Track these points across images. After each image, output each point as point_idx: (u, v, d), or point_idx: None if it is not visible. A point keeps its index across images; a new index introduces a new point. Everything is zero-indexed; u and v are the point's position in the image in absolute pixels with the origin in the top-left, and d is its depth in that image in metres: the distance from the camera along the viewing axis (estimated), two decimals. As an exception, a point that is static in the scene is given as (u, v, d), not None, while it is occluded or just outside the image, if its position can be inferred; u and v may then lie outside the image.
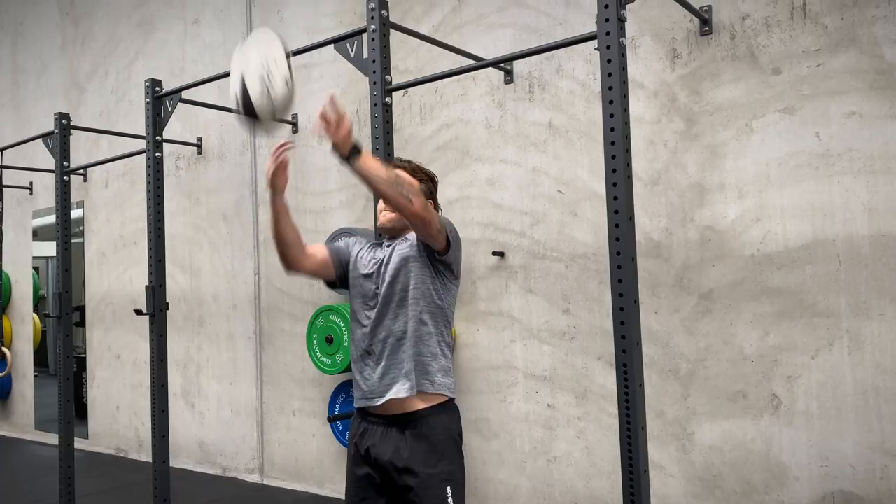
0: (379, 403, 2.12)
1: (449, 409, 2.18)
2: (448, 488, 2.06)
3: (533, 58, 3.41)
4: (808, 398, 2.79)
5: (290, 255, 2.26)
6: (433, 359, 2.14)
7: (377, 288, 2.19)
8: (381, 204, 2.24)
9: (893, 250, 2.63)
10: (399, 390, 2.10)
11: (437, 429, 2.11)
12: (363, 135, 4.11)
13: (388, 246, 2.26)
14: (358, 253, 2.30)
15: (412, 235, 2.19)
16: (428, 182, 2.28)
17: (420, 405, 2.11)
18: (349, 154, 1.94)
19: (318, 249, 2.33)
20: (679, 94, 3.09)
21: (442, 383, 2.14)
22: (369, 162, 1.99)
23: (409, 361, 2.11)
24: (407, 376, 2.10)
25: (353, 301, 2.26)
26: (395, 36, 3.50)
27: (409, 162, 2.30)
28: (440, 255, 2.15)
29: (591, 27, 3.08)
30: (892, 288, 2.62)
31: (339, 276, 2.31)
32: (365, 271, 2.24)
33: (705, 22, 3.01)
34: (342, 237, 3.89)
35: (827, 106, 2.76)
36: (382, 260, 2.21)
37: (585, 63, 3.33)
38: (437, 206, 2.30)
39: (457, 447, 2.16)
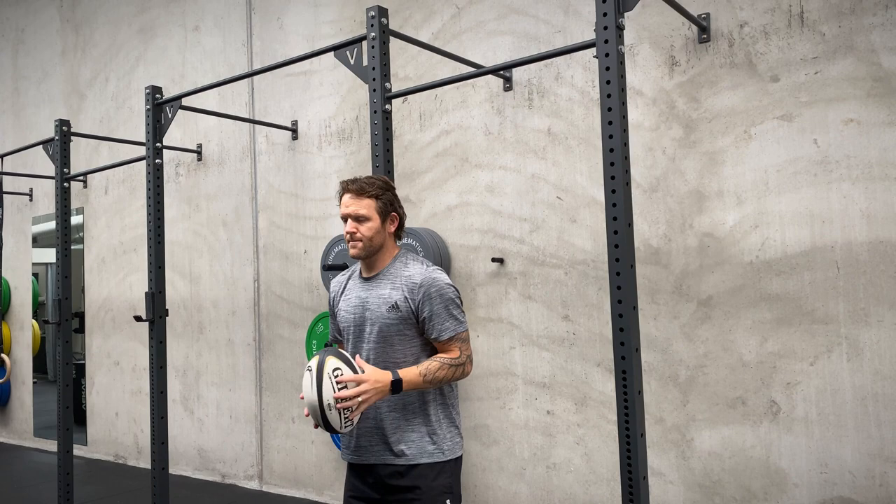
0: (367, 459, 2.16)
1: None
2: (448, 501, 2.08)
3: (532, 65, 3.43)
4: (807, 405, 2.79)
5: None
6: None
7: (370, 340, 2.15)
8: (345, 233, 2.15)
9: (892, 257, 2.63)
10: (392, 446, 2.14)
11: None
12: (364, 141, 4.13)
13: (367, 285, 2.20)
14: (339, 304, 2.28)
15: (398, 287, 2.12)
16: (383, 195, 2.16)
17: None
18: (394, 391, 2.01)
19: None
20: (677, 101, 3.10)
21: (437, 443, 2.15)
22: (412, 383, 2.04)
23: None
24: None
25: (348, 338, 2.23)
26: (394, 43, 3.52)
27: (356, 180, 2.17)
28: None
29: (590, 35, 3.10)
30: (891, 294, 2.63)
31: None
32: (353, 322, 2.19)
33: (703, 29, 3.02)
34: (340, 243, 3.90)
35: (825, 113, 2.77)
36: (370, 312, 2.15)
37: (584, 70, 3.34)
38: (400, 216, 2.21)
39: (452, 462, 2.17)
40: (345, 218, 2.16)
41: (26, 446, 6.13)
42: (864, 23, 2.70)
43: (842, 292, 2.72)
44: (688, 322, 3.06)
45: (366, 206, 2.13)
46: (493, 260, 3.56)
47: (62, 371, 4.12)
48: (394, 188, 2.24)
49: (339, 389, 1.94)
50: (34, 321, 6.21)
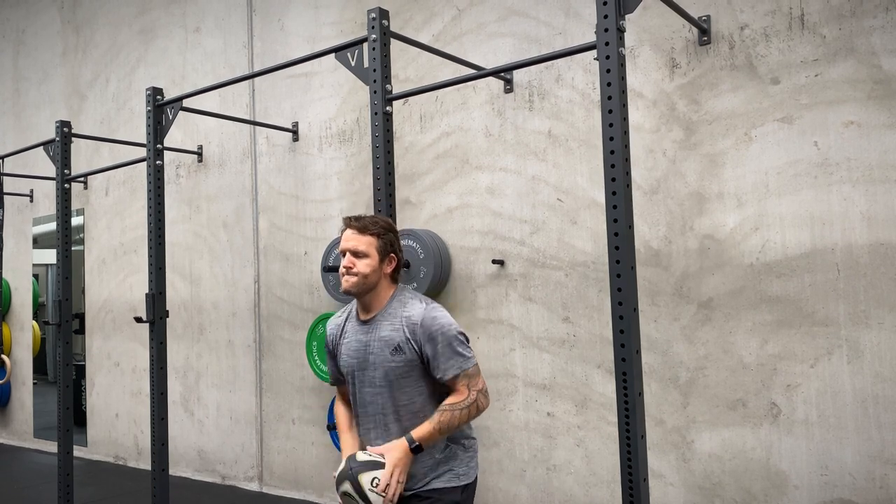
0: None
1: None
2: None
3: (532, 67, 3.43)
4: (807, 407, 2.79)
5: None
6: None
7: (374, 384, 2.15)
8: (341, 267, 2.15)
9: (892, 259, 2.63)
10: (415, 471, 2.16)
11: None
12: (364, 143, 4.13)
13: (366, 328, 2.18)
14: (339, 347, 2.26)
15: (398, 329, 2.11)
16: (385, 235, 2.17)
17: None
18: (416, 453, 2.06)
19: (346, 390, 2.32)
20: (678, 103, 3.10)
21: (454, 466, 2.19)
22: (429, 441, 2.06)
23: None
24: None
25: (352, 382, 2.22)
26: (395, 45, 3.52)
27: (360, 218, 2.19)
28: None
29: (591, 37, 3.10)
30: (891, 297, 2.63)
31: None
32: (356, 366, 2.18)
33: (704, 32, 3.02)
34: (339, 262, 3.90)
35: (825, 115, 2.77)
36: (373, 357, 2.14)
37: (585, 72, 3.35)
38: (399, 259, 2.21)
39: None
40: (343, 252, 2.15)
41: (26, 447, 6.13)
42: (864, 25, 2.71)
43: (842, 294, 2.73)
44: (688, 324, 3.06)
45: (366, 244, 2.13)
46: (494, 262, 3.57)
47: (62, 372, 4.12)
48: (396, 231, 2.25)
49: (385, 492, 2.01)
50: (34, 322, 6.21)
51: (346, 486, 2.06)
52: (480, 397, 2.11)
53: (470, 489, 2.19)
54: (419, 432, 2.05)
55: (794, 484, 2.81)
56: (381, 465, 2.05)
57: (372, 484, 2.02)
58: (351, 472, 2.05)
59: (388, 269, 2.17)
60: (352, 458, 2.10)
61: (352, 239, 2.14)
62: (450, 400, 2.09)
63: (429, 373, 2.11)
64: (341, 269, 2.15)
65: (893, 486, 2.62)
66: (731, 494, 2.94)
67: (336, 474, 2.10)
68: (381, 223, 2.19)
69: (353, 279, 2.12)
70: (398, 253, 2.21)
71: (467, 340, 2.14)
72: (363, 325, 2.18)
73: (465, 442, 2.19)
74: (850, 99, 2.73)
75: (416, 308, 2.12)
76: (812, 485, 2.77)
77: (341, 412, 2.33)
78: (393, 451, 2.04)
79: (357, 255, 2.12)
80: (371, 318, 2.17)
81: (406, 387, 2.11)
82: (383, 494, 2.01)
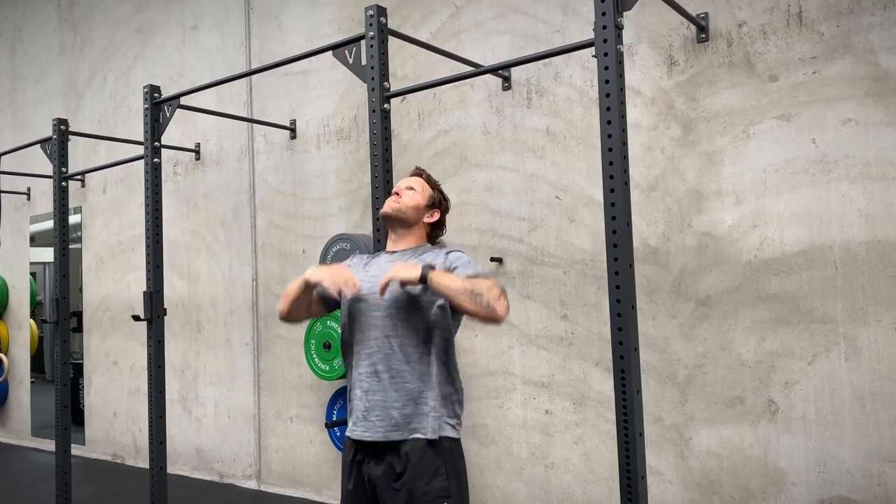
0: (371, 435, 2.07)
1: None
2: None
3: (530, 64, 3.42)
4: (805, 404, 2.79)
5: (296, 319, 2.28)
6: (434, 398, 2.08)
7: (380, 307, 2.07)
8: (392, 193, 2.25)
9: (890, 256, 2.63)
10: (394, 413, 2.06)
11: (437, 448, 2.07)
12: (362, 141, 4.13)
13: (393, 257, 2.17)
14: (357, 273, 2.17)
15: (423, 261, 2.06)
16: (439, 194, 2.31)
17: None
18: (422, 281, 1.95)
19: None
20: (676, 100, 3.10)
21: (438, 416, 2.06)
22: (440, 280, 1.93)
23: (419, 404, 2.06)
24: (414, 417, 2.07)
25: (356, 305, 2.13)
26: (392, 42, 3.51)
27: (425, 171, 2.36)
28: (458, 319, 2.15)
29: (589, 34, 3.09)
30: (889, 294, 2.63)
31: (330, 305, 2.25)
32: (367, 288, 2.10)
33: (702, 29, 3.02)
34: (339, 242, 3.90)
35: (823, 113, 2.77)
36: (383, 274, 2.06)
37: (583, 70, 3.34)
38: (443, 221, 2.32)
39: (456, 462, 2.09)
40: (402, 186, 2.25)
41: (24, 446, 6.12)
42: (862, 22, 2.71)
43: (840, 292, 2.73)
44: (686, 321, 3.06)
45: (420, 185, 2.26)
46: (492, 259, 3.56)
47: (60, 370, 4.11)
48: (448, 205, 2.36)
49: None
50: (32, 321, 6.20)
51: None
52: (503, 298, 1.92)
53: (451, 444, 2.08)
54: (437, 271, 1.96)
55: (792, 481, 2.81)
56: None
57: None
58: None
59: (430, 218, 2.26)
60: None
61: (410, 179, 2.28)
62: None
63: (444, 316, 2.04)
64: (390, 196, 2.24)
65: (891, 482, 2.62)
66: (729, 492, 2.94)
67: None
68: (438, 184, 2.35)
69: (395, 205, 2.20)
70: (444, 215, 2.31)
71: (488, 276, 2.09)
72: (389, 255, 2.22)
73: (448, 408, 2.10)
74: (848, 96, 2.73)
75: (439, 252, 2.16)
76: (810, 482, 2.78)
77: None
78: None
79: (410, 188, 2.24)
80: (400, 252, 2.21)
81: (413, 311, 2.04)
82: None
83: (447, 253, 2.14)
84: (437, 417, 2.05)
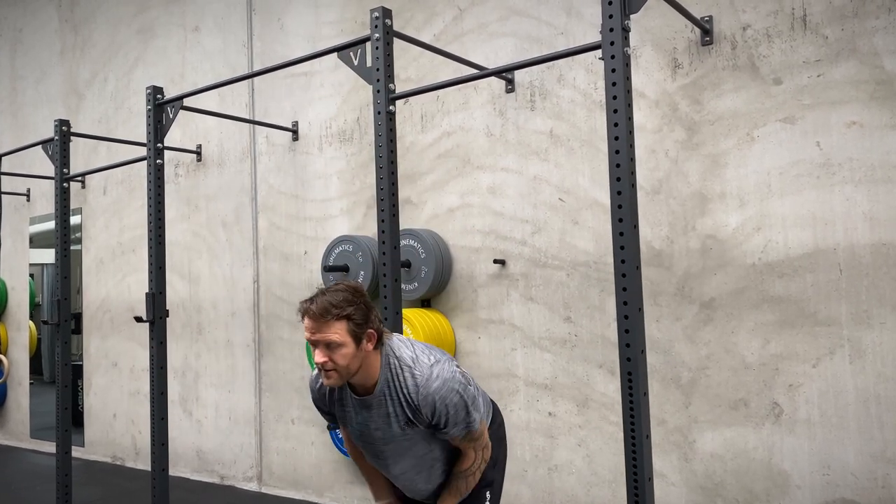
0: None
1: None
2: (487, 493, 2.16)
3: (534, 67, 3.43)
4: (809, 406, 2.79)
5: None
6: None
7: (396, 454, 2.07)
8: (316, 362, 1.88)
9: (894, 259, 2.64)
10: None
11: None
12: (365, 142, 4.13)
13: (365, 403, 1.99)
14: (338, 411, 2.08)
15: (400, 405, 1.94)
16: (358, 309, 1.86)
17: None
18: None
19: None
20: (680, 103, 3.11)
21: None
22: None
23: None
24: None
25: (367, 447, 2.11)
26: (396, 45, 3.51)
27: (315, 299, 1.86)
28: None
29: (592, 37, 3.10)
30: (893, 296, 2.64)
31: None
32: (369, 440, 2.05)
33: (706, 32, 3.03)
34: (341, 244, 3.89)
35: (827, 116, 2.78)
36: (382, 433, 2.00)
37: (587, 72, 3.35)
38: (377, 330, 1.91)
39: (495, 456, 2.20)
40: (313, 344, 1.85)
41: (23, 448, 6.10)
42: (866, 26, 2.71)
43: (844, 294, 2.73)
44: (690, 324, 3.06)
45: (335, 331, 1.82)
46: (495, 261, 3.56)
47: (61, 372, 4.10)
48: (365, 295, 1.90)
49: None
50: (31, 322, 6.18)
51: None
52: (485, 452, 2.10)
53: (494, 448, 2.17)
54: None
55: (797, 484, 2.81)
56: None
57: None
58: None
59: (370, 346, 1.88)
60: None
61: (317, 329, 1.83)
62: (460, 466, 2.10)
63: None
64: (317, 365, 1.86)
65: (895, 485, 2.63)
66: (733, 494, 2.94)
67: None
68: (344, 298, 1.84)
69: (334, 374, 1.86)
70: (375, 324, 1.88)
71: (472, 396, 1.96)
72: (362, 403, 1.98)
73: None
74: (852, 99, 2.73)
75: (410, 383, 1.91)
76: (814, 485, 2.78)
77: (365, 465, 2.23)
78: None
79: (329, 346, 1.83)
80: (369, 398, 1.96)
81: (422, 445, 2.04)
82: None
83: (422, 396, 1.90)
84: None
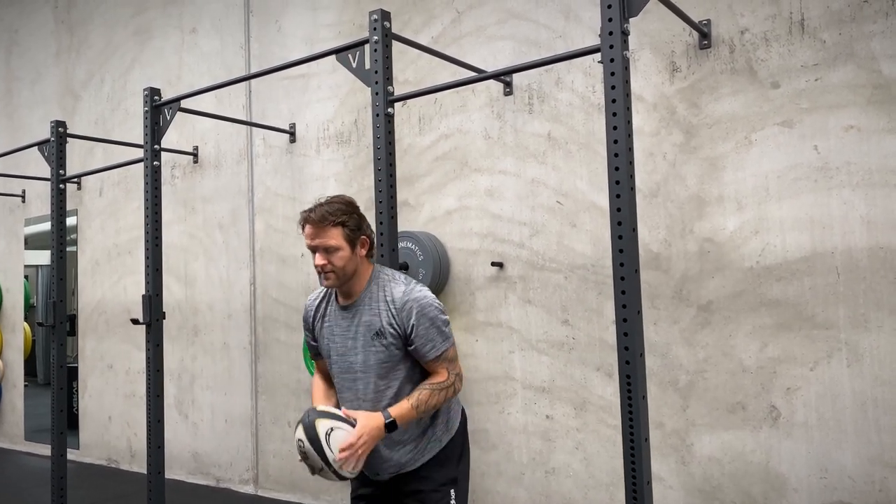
0: (383, 477, 2.20)
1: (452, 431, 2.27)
2: (452, 491, 2.17)
3: (532, 70, 3.43)
4: (807, 410, 2.80)
5: None
6: (435, 420, 2.21)
7: (353, 370, 2.15)
8: (315, 265, 2.11)
9: (892, 263, 2.65)
10: (401, 459, 2.18)
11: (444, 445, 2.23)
12: (363, 145, 4.12)
13: (347, 313, 2.17)
14: (318, 327, 2.26)
15: (380, 312, 2.11)
16: (347, 219, 2.09)
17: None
18: (389, 431, 2.03)
19: (325, 369, 2.32)
20: (678, 106, 3.11)
21: (439, 435, 2.21)
22: (405, 418, 2.05)
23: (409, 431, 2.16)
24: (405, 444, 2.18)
25: (331, 366, 2.23)
26: (394, 47, 3.51)
27: (316, 209, 2.10)
28: None
29: (591, 40, 3.11)
30: (891, 300, 2.64)
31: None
32: (335, 351, 2.18)
33: (704, 36, 3.03)
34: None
35: (825, 120, 2.78)
36: (353, 342, 2.15)
37: (585, 75, 3.35)
38: (370, 238, 2.16)
39: (459, 453, 2.25)
40: (312, 249, 2.09)
41: (17, 450, 6.07)
42: (864, 30, 2.72)
43: (842, 298, 2.74)
44: (688, 327, 3.06)
45: (332, 236, 2.06)
46: (493, 264, 3.56)
47: (56, 374, 4.08)
48: (358, 208, 2.15)
49: (338, 450, 1.95)
50: (25, 324, 6.15)
51: (299, 432, 2.00)
52: (457, 381, 2.15)
53: (457, 445, 2.22)
54: (396, 409, 2.04)
55: (794, 487, 2.81)
56: (344, 421, 2.00)
57: (328, 435, 1.96)
58: (308, 419, 2.00)
59: (363, 252, 2.14)
60: (313, 408, 2.08)
61: (316, 235, 2.08)
62: (430, 380, 2.11)
63: (408, 356, 2.11)
64: (316, 268, 2.09)
65: (893, 489, 2.63)
66: (731, 497, 2.94)
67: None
68: (340, 208, 2.10)
69: (332, 276, 2.09)
70: (367, 232, 2.14)
71: (447, 322, 2.14)
72: (344, 311, 2.17)
73: (442, 419, 2.23)
74: (850, 103, 2.74)
75: (397, 289, 2.11)
76: (811, 488, 2.78)
77: (318, 383, 2.32)
78: (367, 419, 2.01)
79: (327, 250, 2.07)
80: (351, 304, 2.15)
81: (386, 371, 2.11)
82: (341, 452, 1.95)
83: (405, 300, 2.09)
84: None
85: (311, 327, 2.30)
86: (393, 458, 2.15)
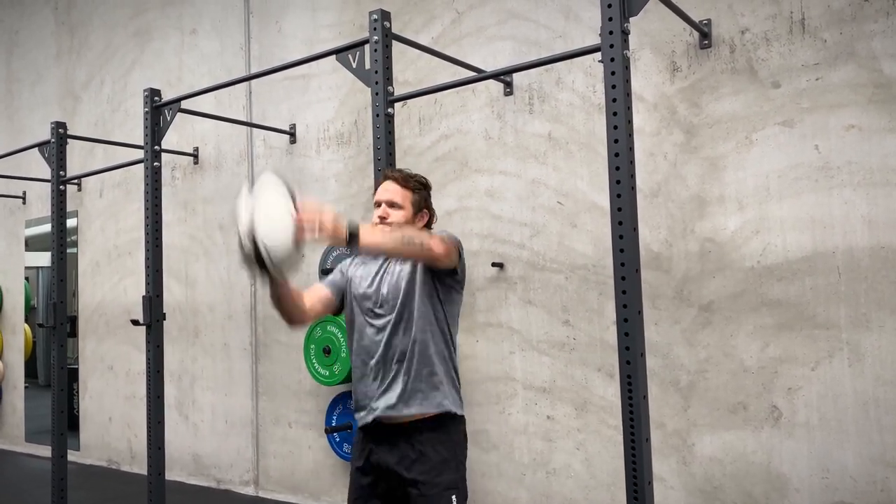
0: (381, 419, 2.16)
1: (453, 422, 2.24)
2: (453, 497, 2.15)
3: (532, 70, 3.42)
4: (808, 410, 2.79)
5: (294, 318, 2.26)
6: (435, 375, 2.18)
7: (378, 307, 2.19)
8: (375, 216, 2.23)
9: (893, 262, 2.64)
10: (405, 406, 2.15)
11: (442, 441, 2.18)
12: (363, 145, 4.12)
13: (382, 260, 2.25)
14: (352, 272, 2.30)
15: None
16: (421, 190, 2.26)
17: (426, 416, 2.17)
18: (348, 242, 1.87)
19: (317, 294, 2.29)
20: (679, 106, 3.11)
21: (442, 401, 2.18)
22: (370, 238, 1.92)
23: (414, 380, 2.14)
24: (412, 394, 2.14)
25: (354, 318, 2.26)
26: (394, 47, 3.51)
27: (401, 171, 2.28)
28: (450, 273, 2.17)
29: (591, 40, 3.10)
30: (892, 300, 2.64)
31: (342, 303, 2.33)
32: (362, 290, 2.24)
33: (705, 35, 3.03)
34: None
35: (826, 119, 2.78)
36: (379, 277, 2.22)
37: (585, 75, 3.35)
38: (431, 214, 2.30)
39: (459, 458, 2.24)
40: (378, 203, 2.22)
41: (18, 451, 6.07)
42: (865, 30, 2.72)
43: (843, 298, 2.73)
44: (689, 327, 3.06)
45: (402, 196, 2.21)
46: (493, 265, 3.56)
47: (57, 375, 4.08)
48: (431, 189, 2.32)
49: (304, 210, 1.83)
50: (26, 325, 6.16)
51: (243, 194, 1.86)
52: (437, 240, 2.05)
53: (459, 419, 2.24)
54: (364, 226, 1.91)
55: (795, 487, 2.81)
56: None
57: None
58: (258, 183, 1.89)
59: (420, 224, 2.25)
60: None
61: (389, 190, 2.21)
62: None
63: (440, 279, 2.15)
64: (375, 219, 2.20)
65: (894, 489, 2.62)
66: (732, 498, 2.94)
67: None
68: (418, 178, 2.27)
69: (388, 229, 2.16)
70: (431, 209, 2.29)
71: (462, 248, 2.20)
72: (373, 260, 2.27)
73: (440, 376, 2.20)
74: (851, 103, 2.74)
75: None
76: (813, 488, 2.78)
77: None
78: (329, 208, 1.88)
79: (392, 205, 2.20)
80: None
81: (417, 293, 2.14)
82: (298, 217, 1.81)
83: None
84: None
85: (345, 268, 2.34)
86: (378, 392, 2.14)
